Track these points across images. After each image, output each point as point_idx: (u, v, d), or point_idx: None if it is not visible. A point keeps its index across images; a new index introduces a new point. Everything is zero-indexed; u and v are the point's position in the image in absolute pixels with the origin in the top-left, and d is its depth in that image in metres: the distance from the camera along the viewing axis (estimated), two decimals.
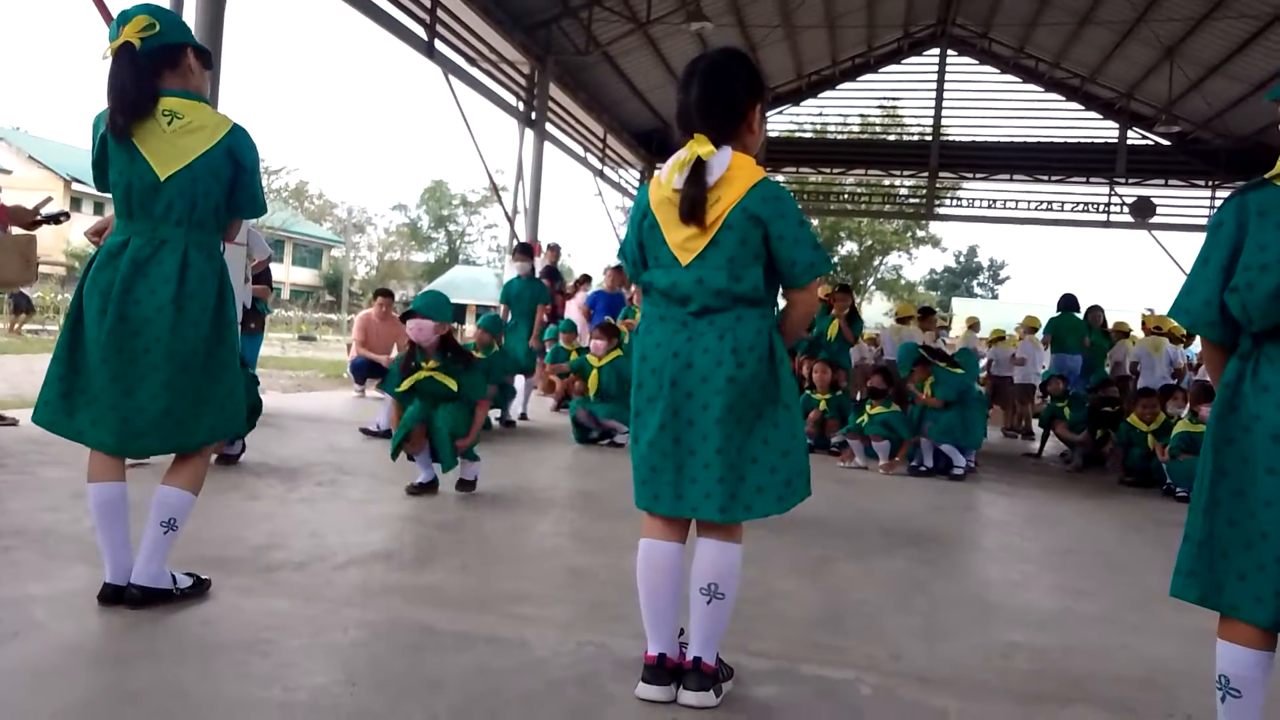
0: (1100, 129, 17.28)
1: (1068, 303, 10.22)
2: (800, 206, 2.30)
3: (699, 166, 2.11)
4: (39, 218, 4.71)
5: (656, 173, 2.25)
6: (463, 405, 4.39)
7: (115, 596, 2.49)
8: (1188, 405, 6.91)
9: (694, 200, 2.10)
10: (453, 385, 4.31)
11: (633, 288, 10.64)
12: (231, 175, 2.51)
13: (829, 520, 4.49)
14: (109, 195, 2.55)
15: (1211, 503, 1.87)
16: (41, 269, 4.84)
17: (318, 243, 45.85)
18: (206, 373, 2.54)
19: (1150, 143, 16.96)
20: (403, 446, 4.27)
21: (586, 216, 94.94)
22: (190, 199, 2.45)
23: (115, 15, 2.49)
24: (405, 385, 4.35)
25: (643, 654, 2.21)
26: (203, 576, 2.69)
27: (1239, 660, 1.84)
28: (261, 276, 7.45)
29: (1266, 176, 1.86)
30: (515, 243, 11.65)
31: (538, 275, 11.66)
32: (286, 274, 40.83)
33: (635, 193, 19.92)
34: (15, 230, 4.52)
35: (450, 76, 11.53)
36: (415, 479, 4.44)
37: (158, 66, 2.46)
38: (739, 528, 2.20)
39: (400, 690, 2.09)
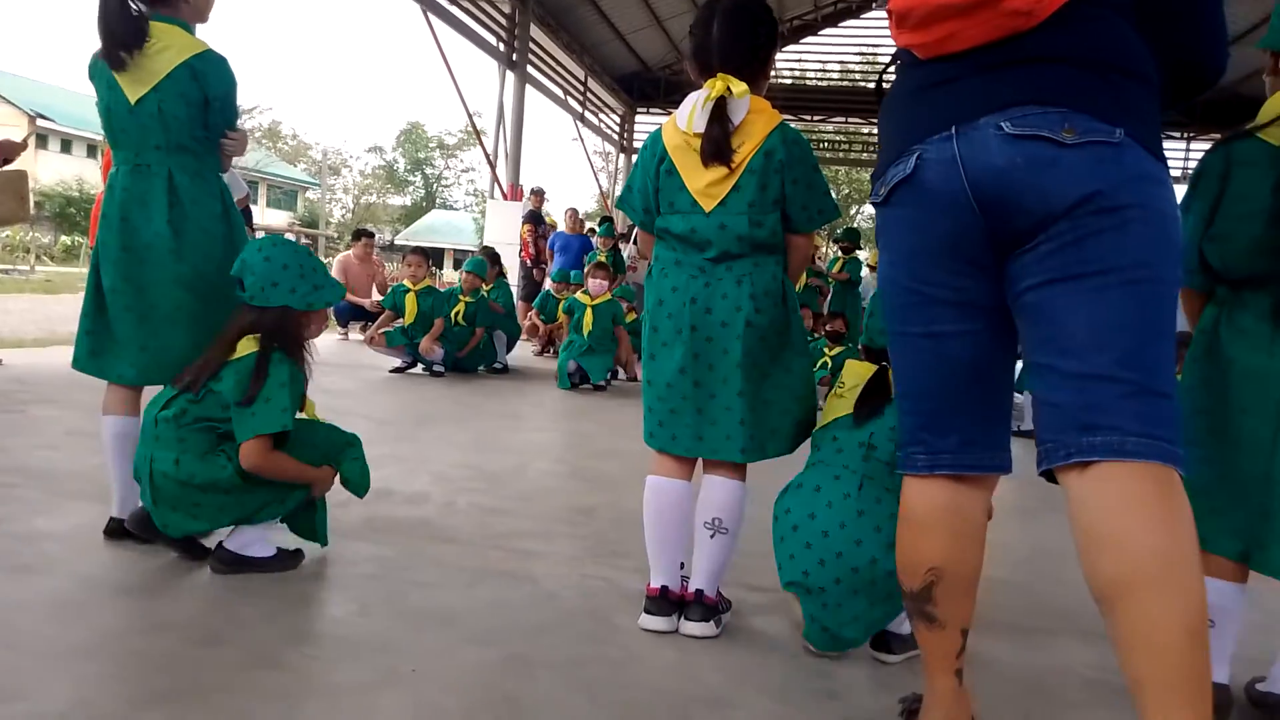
0: None
1: None
2: None
3: (721, 105, 2.11)
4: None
5: (672, 116, 2.24)
6: None
7: (121, 531, 2.52)
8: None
9: (718, 140, 2.11)
10: None
11: (595, 231, 10.60)
12: (200, 100, 2.45)
13: None
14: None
15: (1187, 443, 1.96)
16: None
17: (292, 185, 45.08)
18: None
19: None
20: None
21: (566, 161, 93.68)
22: (162, 122, 2.42)
23: None
24: None
25: (646, 586, 2.29)
26: None
27: (1214, 592, 1.92)
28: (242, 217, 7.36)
29: (1249, 127, 1.90)
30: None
31: (521, 218, 11.61)
32: (262, 216, 40.15)
33: (615, 137, 19.77)
34: (6, 167, 4.41)
35: (430, 14, 11.30)
36: None
37: None
38: (745, 466, 2.26)
39: (416, 621, 2.15)
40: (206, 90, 2.45)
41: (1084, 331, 1.34)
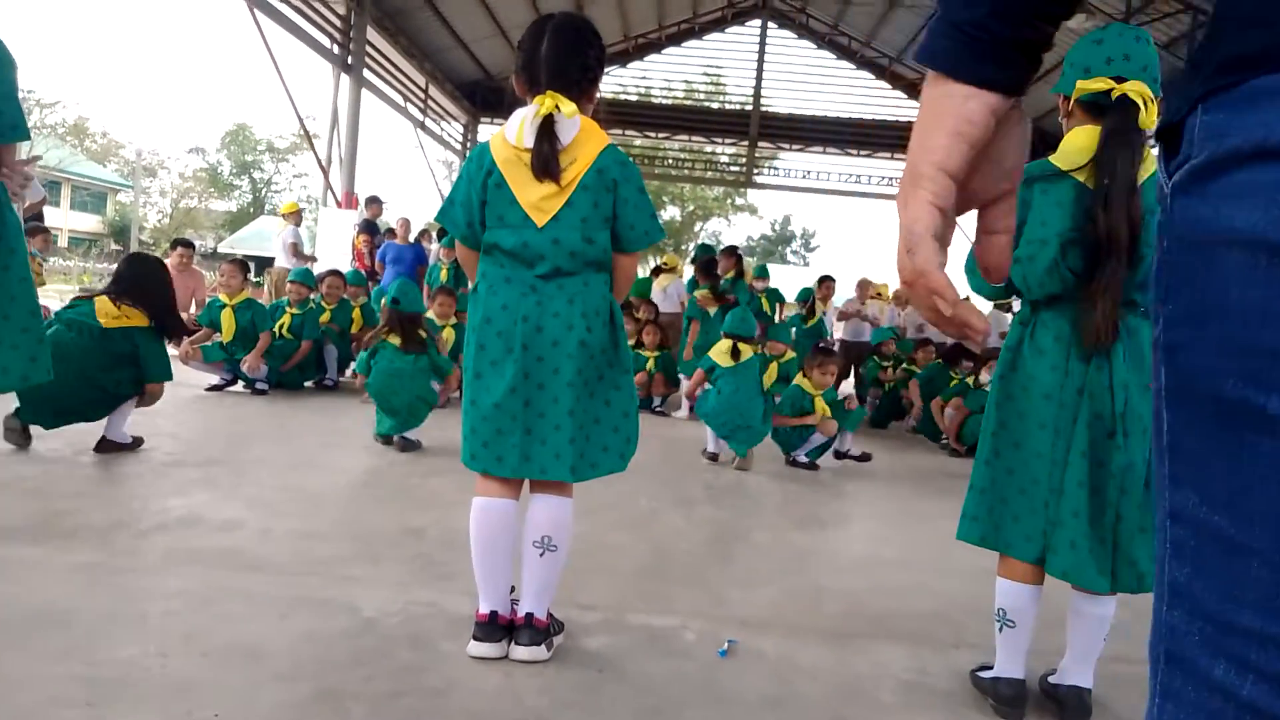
0: (904, 107, 18.40)
1: None
2: None
3: (549, 122, 2.09)
4: None
5: (500, 129, 2.20)
6: None
7: None
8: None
9: (547, 157, 2.09)
10: None
11: (436, 243, 10.35)
12: None
13: (656, 475, 4.62)
14: None
15: (993, 454, 2.10)
16: None
17: (101, 186, 41.63)
18: None
19: None
20: None
21: (407, 169, 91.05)
22: None
23: None
24: None
25: (475, 612, 2.21)
26: None
27: (1014, 594, 2.08)
28: (35, 221, 6.72)
29: (1050, 159, 2.06)
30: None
31: (354, 228, 11.18)
32: (65, 219, 36.96)
33: (458, 147, 19.42)
34: None
35: (257, 10, 10.75)
36: None
37: None
38: (573, 484, 2.23)
39: (220, 659, 1.99)
40: None
41: None
